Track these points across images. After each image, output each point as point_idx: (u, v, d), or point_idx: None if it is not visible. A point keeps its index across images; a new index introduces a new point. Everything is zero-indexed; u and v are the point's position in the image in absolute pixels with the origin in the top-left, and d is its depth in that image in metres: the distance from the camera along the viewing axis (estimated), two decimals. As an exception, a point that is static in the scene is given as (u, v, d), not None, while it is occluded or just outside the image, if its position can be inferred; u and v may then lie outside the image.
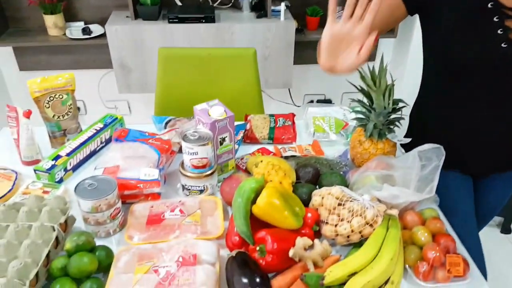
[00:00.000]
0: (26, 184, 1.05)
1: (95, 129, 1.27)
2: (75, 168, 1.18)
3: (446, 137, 1.01)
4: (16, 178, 1.09)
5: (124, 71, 2.03)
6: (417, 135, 1.10)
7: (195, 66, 1.56)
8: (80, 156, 1.19)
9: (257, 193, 0.91)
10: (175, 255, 0.85)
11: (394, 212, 0.88)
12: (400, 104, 1.09)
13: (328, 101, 2.66)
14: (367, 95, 1.11)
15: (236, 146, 1.22)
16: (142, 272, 0.82)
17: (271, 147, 1.29)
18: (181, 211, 0.98)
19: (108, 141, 1.31)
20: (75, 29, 2.06)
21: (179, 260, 0.84)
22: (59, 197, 0.95)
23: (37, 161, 1.19)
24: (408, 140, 1.13)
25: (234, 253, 0.85)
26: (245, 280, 0.78)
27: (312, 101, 2.63)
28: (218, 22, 1.97)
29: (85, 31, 2.05)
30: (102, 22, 2.10)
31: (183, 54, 1.56)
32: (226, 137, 1.09)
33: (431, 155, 0.91)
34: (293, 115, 1.43)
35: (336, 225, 0.92)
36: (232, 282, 0.79)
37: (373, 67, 1.08)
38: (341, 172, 1.14)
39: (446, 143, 0.97)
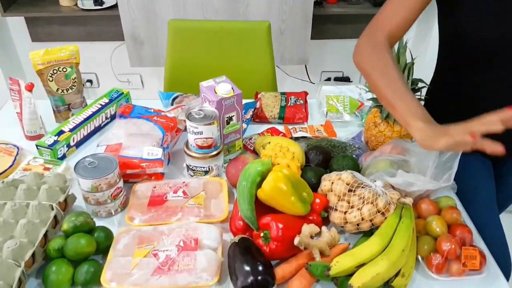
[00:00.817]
0: (27, 160, 1.03)
1: (100, 104, 1.22)
2: (78, 144, 1.15)
3: (464, 118, 0.94)
4: (17, 154, 1.06)
5: (136, 44, 1.97)
6: (434, 117, 1.02)
7: (206, 40, 1.49)
8: (84, 131, 1.15)
9: (263, 177, 0.86)
10: (176, 239, 0.81)
11: (408, 200, 0.82)
12: (420, 84, 1.01)
13: (346, 79, 2.55)
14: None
15: (245, 126, 1.16)
16: (141, 256, 0.79)
17: (281, 127, 1.23)
18: (184, 192, 0.93)
19: (113, 117, 1.27)
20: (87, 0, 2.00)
21: (179, 244, 0.80)
22: (59, 175, 0.91)
23: (40, 136, 1.16)
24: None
25: (237, 238, 0.81)
26: (247, 268, 0.74)
27: (329, 79, 2.53)
28: (232, -7, 1.87)
29: (97, 1, 1.98)
30: (114, -8, 2.03)
31: (194, 26, 1.48)
32: (233, 116, 1.03)
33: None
34: (306, 93, 1.35)
35: (345, 212, 0.87)
36: (234, 269, 0.75)
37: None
38: (354, 155, 1.08)
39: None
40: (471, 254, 0.79)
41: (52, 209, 0.85)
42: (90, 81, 2.47)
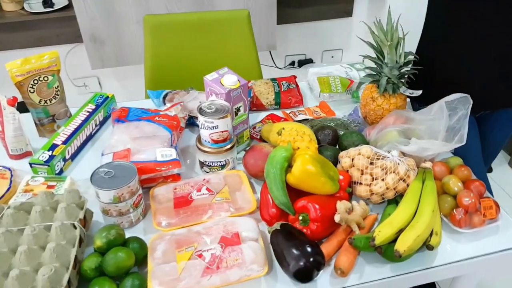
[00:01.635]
0: (25, 181, 0.94)
1: (87, 111, 1.15)
2: (73, 156, 1.07)
3: (452, 73, 1.01)
4: (11, 175, 0.97)
5: (96, 44, 1.85)
6: (425, 78, 1.09)
7: (185, 33, 1.43)
8: (77, 142, 1.08)
9: (289, 162, 0.87)
10: (216, 236, 0.80)
11: (429, 165, 0.86)
12: (410, 57, 1.06)
13: (309, 61, 2.60)
14: (379, 50, 1.07)
15: (246, 115, 1.15)
16: (185, 259, 0.76)
17: (278, 113, 1.24)
18: (208, 189, 0.91)
19: (102, 123, 1.20)
20: (35, 2, 1.83)
21: (221, 240, 0.79)
22: (72, 191, 0.85)
23: (27, 154, 1.07)
24: (420, 92, 1.11)
25: (277, 225, 0.81)
26: (297, 252, 0.74)
27: (293, 62, 2.56)
28: (193, -17, 1.82)
29: (46, 3, 1.83)
30: (64, -8, 1.89)
31: (171, 20, 1.42)
32: (241, 106, 1.02)
33: (457, 104, 0.90)
34: (295, 77, 1.36)
35: (369, 185, 0.90)
36: (283, 255, 0.76)
37: (380, 21, 1.04)
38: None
39: (452, 80, 0.95)
40: (488, 204, 0.86)
41: (75, 227, 0.79)
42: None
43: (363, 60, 1.11)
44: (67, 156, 1.04)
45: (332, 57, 2.68)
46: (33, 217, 0.80)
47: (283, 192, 0.83)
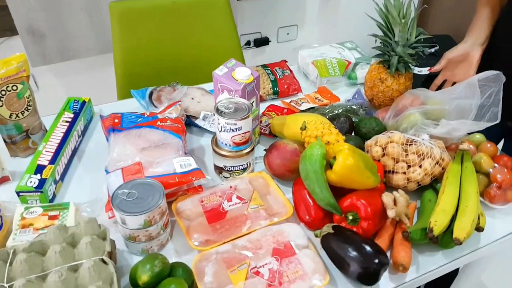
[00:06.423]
0: (18, 214, 0.83)
1: (67, 121, 1.04)
2: (62, 176, 0.97)
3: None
4: (-2, 210, 0.85)
5: (35, 38, 1.65)
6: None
7: (159, 21, 1.33)
8: (64, 159, 0.97)
9: (325, 159, 0.86)
10: (268, 249, 0.77)
11: (467, 146, 0.91)
12: (422, 36, 1.09)
13: (265, 40, 2.58)
14: (389, 29, 1.08)
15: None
16: (242, 279, 0.73)
17: (278, 103, 1.22)
18: (239, 197, 0.88)
19: (84, 133, 1.09)
20: None
21: (275, 253, 0.77)
22: (91, 220, 0.77)
23: (5, 179, 0.95)
24: (427, 69, 1.15)
25: (330, 228, 0.80)
26: (360, 254, 0.74)
27: (249, 42, 2.52)
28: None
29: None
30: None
31: (141, 6, 1.30)
32: (253, 101, 0.98)
33: (486, 82, 0.94)
34: (285, 61, 1.34)
35: (404, 173, 0.93)
36: (344, 260, 0.75)
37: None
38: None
39: None
40: (520, 178, 0.93)
41: (105, 263, 0.72)
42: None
43: (375, 40, 1.11)
44: (57, 178, 0.93)
45: (288, 33, 2.69)
46: (53, 259, 0.70)
47: (328, 193, 0.83)
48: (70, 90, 2.20)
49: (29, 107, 0.98)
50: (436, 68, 1.13)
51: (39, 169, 0.91)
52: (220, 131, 0.90)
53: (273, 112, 1.16)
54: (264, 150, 0.98)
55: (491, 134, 1.03)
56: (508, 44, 1.11)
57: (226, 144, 0.91)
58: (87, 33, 1.73)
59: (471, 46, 1.11)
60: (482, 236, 0.88)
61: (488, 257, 1.06)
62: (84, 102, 1.10)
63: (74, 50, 1.75)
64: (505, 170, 0.91)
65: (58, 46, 1.73)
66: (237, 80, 0.93)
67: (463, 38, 1.16)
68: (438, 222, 0.80)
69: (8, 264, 0.70)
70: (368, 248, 0.76)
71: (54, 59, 1.76)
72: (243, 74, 0.93)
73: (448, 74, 1.15)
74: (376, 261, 0.74)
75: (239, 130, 0.88)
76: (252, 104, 0.97)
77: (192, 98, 1.16)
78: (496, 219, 0.91)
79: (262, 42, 2.57)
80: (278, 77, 1.25)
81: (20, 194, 0.87)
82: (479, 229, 0.83)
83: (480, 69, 1.08)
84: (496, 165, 0.93)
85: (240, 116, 0.87)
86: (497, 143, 1.23)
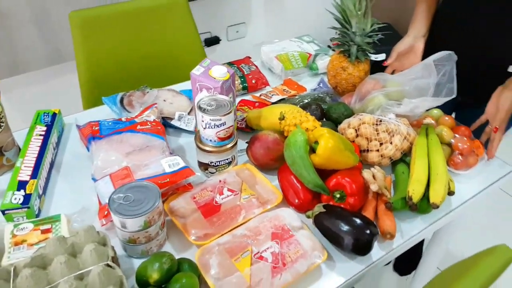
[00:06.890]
0: (8, 232, 0.81)
1: (40, 135, 1.02)
2: (44, 190, 0.95)
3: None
4: (-18, 231, 0.82)
5: (-20, 54, 1.58)
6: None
7: (121, 27, 1.32)
8: (44, 173, 0.95)
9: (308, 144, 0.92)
10: (267, 234, 0.81)
11: (430, 120, 1.00)
12: (376, 25, 1.18)
13: (215, 39, 2.60)
14: (346, 21, 1.16)
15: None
16: (247, 266, 0.77)
17: (248, 98, 1.26)
18: (230, 190, 0.91)
19: (57, 145, 1.07)
20: None
21: (274, 237, 0.81)
22: (89, 229, 0.77)
23: (-18, 200, 0.91)
24: (383, 55, 1.25)
25: (321, 208, 0.86)
26: (352, 227, 0.81)
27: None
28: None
29: None
30: None
31: (102, 14, 1.28)
32: (231, 97, 1.02)
33: (440, 61, 1.04)
34: (249, 57, 1.39)
35: (377, 150, 1.01)
36: (339, 235, 0.81)
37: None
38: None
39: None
40: (477, 144, 1.04)
41: (112, 267, 0.73)
42: None
43: (337, 33, 1.18)
44: (40, 192, 0.92)
45: (237, 31, 2.74)
46: (58, 270, 0.70)
47: (315, 175, 0.88)
48: (24, 104, 2.10)
49: (1, 124, 0.95)
50: (389, 61, 1.24)
51: (21, 185, 0.89)
52: (204, 128, 0.92)
53: (246, 107, 1.20)
54: (246, 142, 1.02)
55: (445, 108, 1.14)
56: (447, 32, 1.24)
57: (210, 140, 0.94)
58: (36, 46, 1.67)
59: (414, 39, 1.23)
60: (453, 200, 0.97)
61: (456, 221, 1.17)
62: (54, 114, 1.08)
63: (25, 64, 1.69)
64: (465, 138, 1.02)
65: (7, 60, 1.65)
66: (214, 78, 0.96)
67: (402, 25, 1.26)
68: (415, 190, 0.88)
69: (11, 282, 0.69)
70: (359, 221, 0.82)
71: (3, 74, 1.68)
72: (219, 72, 0.96)
73: (396, 65, 1.25)
74: (368, 231, 0.81)
75: (223, 125, 0.91)
76: (231, 99, 1.01)
77: (164, 100, 1.18)
78: (462, 184, 1.01)
79: (212, 41, 2.60)
80: (246, 73, 1.29)
81: (6, 212, 0.85)
82: (450, 193, 0.92)
83: (424, 57, 1.19)
84: (456, 135, 1.04)
85: (223, 112, 0.91)
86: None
